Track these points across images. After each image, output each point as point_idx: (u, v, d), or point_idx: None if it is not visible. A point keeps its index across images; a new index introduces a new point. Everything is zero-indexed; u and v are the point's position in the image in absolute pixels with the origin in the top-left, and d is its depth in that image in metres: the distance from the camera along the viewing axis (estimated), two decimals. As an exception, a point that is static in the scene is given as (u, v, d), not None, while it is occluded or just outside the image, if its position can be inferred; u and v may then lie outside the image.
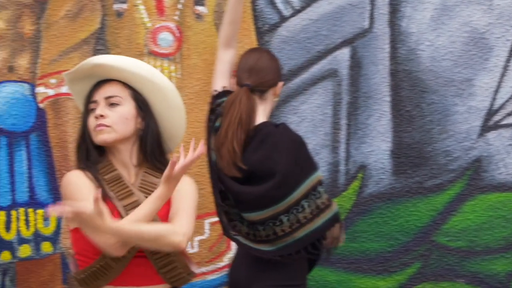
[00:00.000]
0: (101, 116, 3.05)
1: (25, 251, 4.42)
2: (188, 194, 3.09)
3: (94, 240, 2.91)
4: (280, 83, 3.75)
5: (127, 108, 3.08)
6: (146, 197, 3.02)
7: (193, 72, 4.43)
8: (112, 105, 3.08)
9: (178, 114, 3.18)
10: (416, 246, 4.46)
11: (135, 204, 3.01)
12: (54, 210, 2.77)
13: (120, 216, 2.99)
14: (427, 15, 4.45)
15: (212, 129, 3.71)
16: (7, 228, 4.41)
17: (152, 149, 3.09)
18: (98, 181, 3.05)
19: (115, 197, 3.03)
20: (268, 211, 3.59)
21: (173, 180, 2.93)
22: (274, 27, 4.47)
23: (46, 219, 4.42)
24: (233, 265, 3.74)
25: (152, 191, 3.03)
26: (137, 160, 3.11)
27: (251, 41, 4.47)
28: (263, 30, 4.47)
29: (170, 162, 2.91)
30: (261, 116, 3.70)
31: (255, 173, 3.59)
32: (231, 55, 3.80)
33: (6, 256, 4.41)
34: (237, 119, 3.66)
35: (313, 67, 4.47)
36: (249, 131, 3.65)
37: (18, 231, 4.41)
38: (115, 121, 3.05)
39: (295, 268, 3.62)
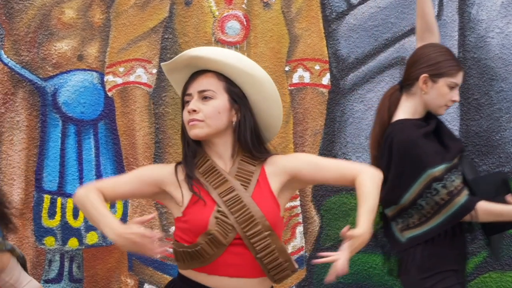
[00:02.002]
0: (194, 111, 3.05)
1: (92, 238, 4.46)
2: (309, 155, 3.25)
3: None
4: (422, 76, 3.70)
5: (220, 101, 3.06)
6: (242, 184, 3.03)
7: (260, 61, 4.43)
8: (205, 98, 3.06)
9: (275, 105, 3.14)
10: (482, 235, 4.43)
11: (230, 191, 3.02)
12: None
13: (215, 204, 3.01)
14: (497, 2, 4.42)
15: None
16: (75, 215, 4.46)
17: (251, 140, 3.07)
18: (190, 177, 3.06)
19: (210, 186, 3.04)
20: (395, 208, 3.68)
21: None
22: (342, 15, 4.47)
23: (113, 206, 4.45)
24: None
25: (248, 179, 3.04)
26: (233, 151, 3.10)
27: (319, 29, 4.46)
28: (331, 18, 4.47)
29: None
30: (402, 113, 3.70)
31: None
32: None
33: (73, 243, 4.45)
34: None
35: (380, 55, 4.46)
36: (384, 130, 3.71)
37: (86, 219, 4.45)
38: (208, 115, 3.03)
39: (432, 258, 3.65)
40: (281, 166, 3.10)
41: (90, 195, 3.07)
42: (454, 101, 3.79)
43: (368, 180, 3.02)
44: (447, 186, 3.57)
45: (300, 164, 3.11)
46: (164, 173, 3.12)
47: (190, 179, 3.04)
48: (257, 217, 2.98)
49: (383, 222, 3.83)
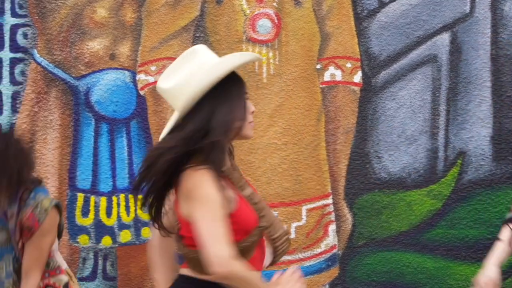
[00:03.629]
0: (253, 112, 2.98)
1: (125, 236, 4.48)
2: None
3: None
4: None
5: None
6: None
7: (291, 59, 4.44)
8: None
9: None
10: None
11: (254, 194, 2.88)
12: None
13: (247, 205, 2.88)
14: (530, -2, 4.40)
15: None
16: (108, 213, 4.48)
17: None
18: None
19: (239, 187, 2.91)
20: None
21: None
22: (373, 12, 4.46)
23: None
24: None
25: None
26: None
27: (350, 27, 4.46)
28: (362, 16, 4.46)
29: None
30: None
31: None
32: None
33: (107, 241, 4.48)
34: None
35: (412, 53, 4.44)
36: None
37: (119, 217, 4.48)
38: None
39: None
40: None
41: (238, 270, 2.77)
42: None
43: None
44: None
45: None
46: (218, 190, 2.83)
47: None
48: (277, 221, 2.91)
49: None
